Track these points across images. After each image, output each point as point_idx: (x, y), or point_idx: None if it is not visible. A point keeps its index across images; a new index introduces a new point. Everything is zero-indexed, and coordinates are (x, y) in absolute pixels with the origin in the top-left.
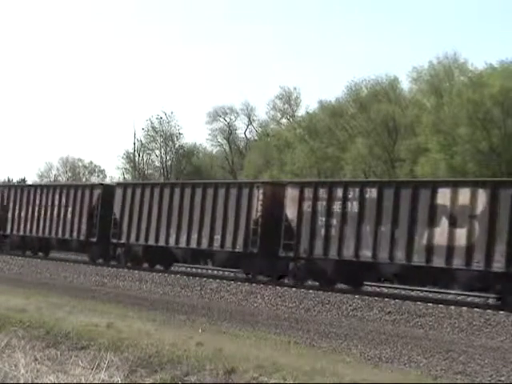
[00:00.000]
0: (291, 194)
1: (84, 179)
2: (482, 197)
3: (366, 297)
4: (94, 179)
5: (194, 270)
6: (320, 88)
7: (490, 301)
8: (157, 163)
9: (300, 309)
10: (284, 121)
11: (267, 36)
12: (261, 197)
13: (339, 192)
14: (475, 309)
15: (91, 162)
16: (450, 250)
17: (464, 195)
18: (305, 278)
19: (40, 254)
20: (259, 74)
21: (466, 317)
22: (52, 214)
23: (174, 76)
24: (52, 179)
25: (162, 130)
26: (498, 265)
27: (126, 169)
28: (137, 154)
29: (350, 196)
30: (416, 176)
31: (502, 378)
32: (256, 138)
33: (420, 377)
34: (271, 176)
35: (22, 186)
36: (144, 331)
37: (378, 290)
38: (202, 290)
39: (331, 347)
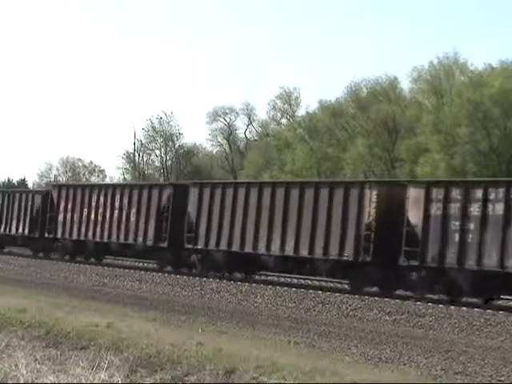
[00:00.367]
0: (414, 194)
1: (84, 179)
2: None
3: (366, 297)
4: (94, 179)
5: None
6: (320, 88)
7: None
8: (157, 163)
9: (300, 309)
10: (284, 121)
11: (267, 36)
12: (374, 198)
13: (478, 193)
14: (475, 309)
15: (91, 162)
16: None
17: None
18: (431, 290)
19: (92, 259)
20: (259, 74)
21: (465, 317)
22: (112, 216)
23: (174, 76)
24: (52, 179)
25: (162, 130)
26: None
27: (125, 169)
28: (137, 154)
29: (491, 197)
30: (416, 176)
31: (502, 378)
32: (256, 138)
33: (420, 377)
34: (271, 176)
35: (75, 185)
36: (144, 331)
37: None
38: (202, 289)
39: (331, 347)
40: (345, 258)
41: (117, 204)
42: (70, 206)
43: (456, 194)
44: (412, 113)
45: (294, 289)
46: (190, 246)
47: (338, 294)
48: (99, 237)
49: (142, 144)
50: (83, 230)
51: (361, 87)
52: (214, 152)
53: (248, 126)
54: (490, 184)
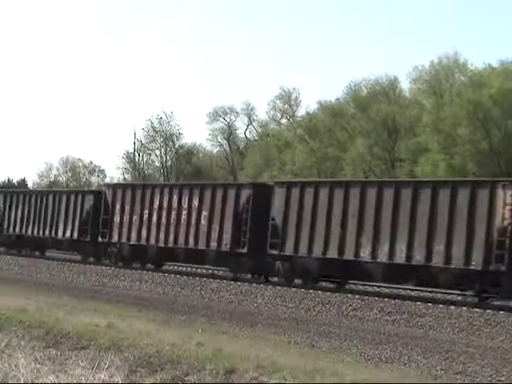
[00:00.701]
0: None
1: (84, 179)
2: None
3: (366, 297)
4: (94, 179)
5: (195, 270)
6: (320, 88)
7: None
8: (157, 163)
9: (300, 309)
10: (284, 121)
11: (267, 36)
12: (509, 200)
13: None
14: (475, 309)
15: (91, 162)
16: None
17: None
18: None
19: (150, 265)
20: (259, 74)
21: (465, 317)
22: (178, 218)
23: (174, 76)
24: (52, 179)
25: (162, 130)
26: None
27: (125, 169)
28: (137, 154)
29: None
30: (416, 176)
31: (502, 378)
32: (256, 137)
33: (420, 377)
34: (271, 176)
35: (134, 184)
36: (144, 331)
37: (378, 289)
38: (202, 289)
39: (331, 347)
40: (472, 267)
41: (184, 205)
42: (127, 208)
43: None
44: (412, 113)
45: (294, 289)
46: (274, 252)
47: (337, 294)
48: (163, 241)
49: (142, 144)
50: (144, 233)
51: (361, 87)
52: (214, 152)
53: (248, 126)
54: None
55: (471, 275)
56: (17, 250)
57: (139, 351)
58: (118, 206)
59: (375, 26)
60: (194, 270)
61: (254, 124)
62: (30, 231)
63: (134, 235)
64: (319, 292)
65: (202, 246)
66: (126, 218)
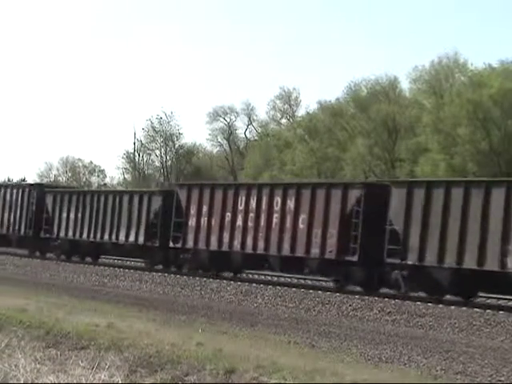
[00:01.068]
0: None
1: (84, 179)
2: None
3: (366, 297)
4: (94, 179)
5: (290, 280)
6: (320, 88)
7: None
8: (157, 163)
9: (300, 309)
10: (284, 121)
11: (267, 36)
12: None
13: None
14: (475, 309)
15: (91, 162)
16: None
17: None
18: None
19: (240, 275)
20: (259, 74)
21: (465, 317)
22: (269, 222)
23: (174, 76)
24: (52, 179)
25: (162, 130)
26: None
27: (125, 169)
28: (137, 154)
29: None
30: (416, 176)
31: (502, 378)
32: (256, 137)
33: (420, 377)
34: (271, 176)
35: (214, 184)
36: (144, 331)
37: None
38: (201, 290)
39: (331, 347)
40: None
41: (277, 207)
42: (205, 210)
43: None
44: (412, 113)
45: (294, 289)
46: (394, 261)
47: (337, 294)
48: (251, 247)
49: (142, 144)
50: (226, 238)
51: (361, 87)
52: (214, 152)
53: (248, 126)
54: None
55: None
56: (65, 255)
57: (139, 351)
58: (193, 208)
59: (375, 26)
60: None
61: (254, 124)
62: (85, 235)
63: (214, 240)
64: (319, 292)
65: (300, 252)
66: (204, 221)
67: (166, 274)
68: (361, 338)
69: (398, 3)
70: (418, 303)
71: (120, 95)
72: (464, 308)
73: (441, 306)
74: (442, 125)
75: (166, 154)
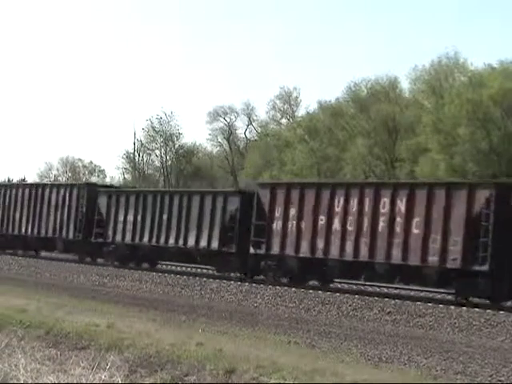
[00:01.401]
0: None
1: (84, 179)
2: None
3: (366, 297)
4: (94, 179)
5: (194, 269)
6: (320, 88)
7: None
8: (157, 163)
9: (300, 309)
10: (284, 121)
11: (267, 36)
12: None
13: None
14: (475, 309)
15: (91, 162)
16: None
17: None
18: None
19: (318, 283)
20: (259, 74)
21: (465, 317)
22: (374, 226)
23: (174, 76)
24: (52, 179)
25: (162, 130)
26: None
27: (125, 169)
28: (137, 154)
29: None
30: (416, 176)
31: (502, 378)
32: (256, 137)
33: (420, 377)
34: (271, 176)
35: (303, 183)
36: (144, 331)
37: (378, 289)
38: (201, 289)
39: (331, 347)
40: None
41: (383, 210)
42: (293, 212)
43: None
44: (412, 113)
45: (293, 289)
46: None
47: (337, 294)
48: (351, 254)
49: (142, 144)
50: (320, 244)
51: (361, 87)
52: (214, 152)
53: (248, 126)
54: None
55: None
56: (120, 261)
57: (139, 351)
58: (278, 210)
59: (375, 26)
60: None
61: (253, 124)
62: (145, 239)
63: (304, 247)
64: (319, 292)
65: (414, 260)
66: (292, 224)
67: (166, 274)
68: (361, 338)
69: (398, 3)
70: (418, 303)
71: (120, 95)
72: (464, 308)
73: (441, 306)
74: (441, 125)
75: (165, 153)
